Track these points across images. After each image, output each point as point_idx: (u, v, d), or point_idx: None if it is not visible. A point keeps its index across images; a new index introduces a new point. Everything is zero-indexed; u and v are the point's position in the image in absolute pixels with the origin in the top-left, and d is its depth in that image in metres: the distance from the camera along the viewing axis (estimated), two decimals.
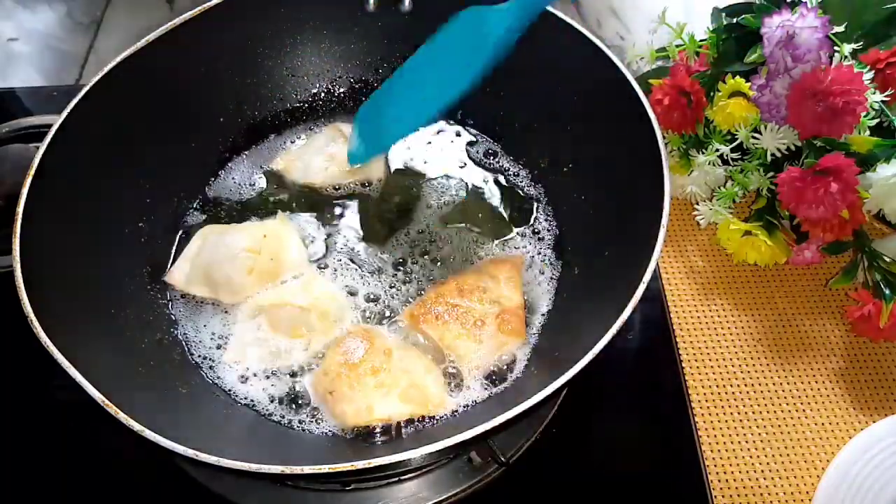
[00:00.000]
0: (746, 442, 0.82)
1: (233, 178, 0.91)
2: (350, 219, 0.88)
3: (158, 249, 0.84)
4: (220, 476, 0.74)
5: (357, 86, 0.97)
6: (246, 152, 0.93)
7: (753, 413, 0.84)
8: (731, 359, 0.88)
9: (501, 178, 0.92)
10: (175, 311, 0.80)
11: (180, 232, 0.86)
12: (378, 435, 0.72)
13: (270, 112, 0.95)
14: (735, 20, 0.92)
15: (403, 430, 0.72)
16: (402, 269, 0.84)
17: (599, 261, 0.76)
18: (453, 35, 0.75)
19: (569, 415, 0.80)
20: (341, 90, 0.98)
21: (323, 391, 0.73)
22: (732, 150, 0.88)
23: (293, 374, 0.76)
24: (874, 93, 0.80)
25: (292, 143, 0.95)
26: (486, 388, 0.75)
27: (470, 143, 0.94)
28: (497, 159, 0.93)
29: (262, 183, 0.91)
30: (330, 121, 0.97)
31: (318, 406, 0.74)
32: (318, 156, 0.90)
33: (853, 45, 0.81)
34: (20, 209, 0.67)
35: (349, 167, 0.88)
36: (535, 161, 0.90)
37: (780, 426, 0.83)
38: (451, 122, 0.96)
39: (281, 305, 0.78)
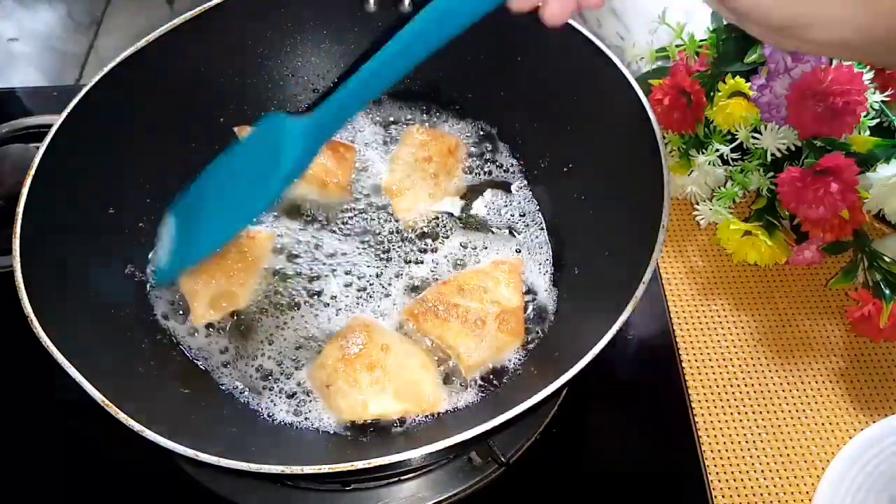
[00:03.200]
0: (747, 442, 0.82)
1: None
2: (349, 220, 0.88)
3: (158, 249, 0.84)
4: (220, 476, 0.74)
5: None
6: None
7: (754, 413, 0.84)
8: (731, 359, 0.88)
9: (501, 179, 0.92)
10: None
11: None
12: (378, 434, 0.72)
13: (271, 112, 0.95)
14: None
15: (401, 429, 0.72)
16: (402, 270, 0.84)
17: (599, 261, 0.76)
18: (259, 141, 0.69)
19: (569, 415, 0.80)
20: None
21: (320, 384, 0.73)
22: (732, 150, 0.88)
23: (293, 373, 0.76)
24: (874, 93, 0.80)
25: None
26: (484, 388, 0.75)
27: (469, 144, 0.94)
28: (497, 159, 0.93)
29: None
30: None
31: (317, 402, 0.74)
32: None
33: None
34: (20, 209, 0.67)
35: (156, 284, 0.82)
36: (535, 161, 0.90)
37: (780, 426, 0.83)
38: (450, 120, 0.96)
39: None
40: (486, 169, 0.92)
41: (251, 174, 0.67)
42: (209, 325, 0.79)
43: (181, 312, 0.80)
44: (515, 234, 0.87)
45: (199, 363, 0.77)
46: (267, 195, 0.65)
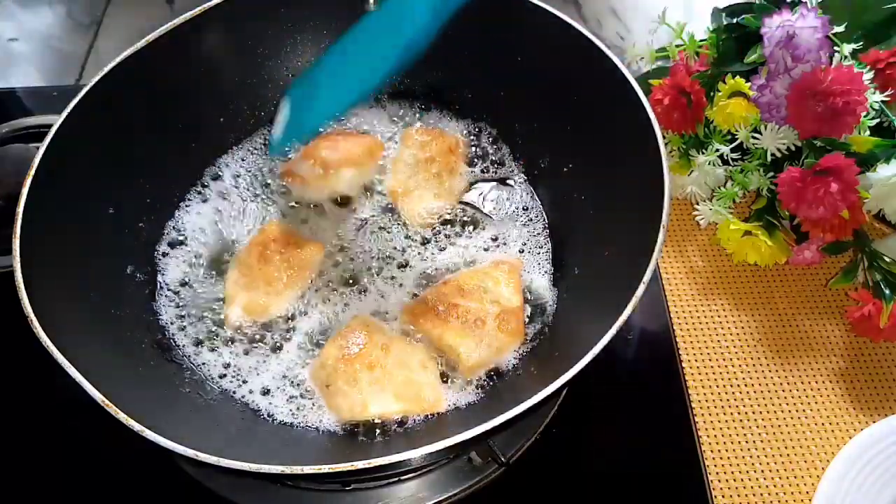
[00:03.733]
0: (747, 442, 0.82)
1: (233, 179, 0.91)
2: (350, 221, 0.88)
3: (158, 249, 0.84)
4: (219, 476, 0.74)
5: None
6: (246, 152, 0.93)
7: (754, 413, 0.84)
8: (731, 359, 0.88)
9: (501, 179, 0.91)
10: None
11: (180, 232, 0.86)
12: (378, 434, 0.72)
13: (270, 112, 0.95)
14: (735, 20, 0.92)
15: (401, 429, 0.72)
16: (402, 268, 0.84)
17: (599, 261, 0.76)
18: (382, 13, 0.68)
19: (569, 415, 0.80)
20: None
21: (320, 383, 0.74)
22: (732, 150, 0.88)
23: (295, 374, 0.76)
24: (874, 93, 0.80)
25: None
26: (484, 388, 0.75)
27: (469, 144, 0.94)
28: (497, 159, 0.93)
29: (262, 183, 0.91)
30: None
31: (318, 402, 0.74)
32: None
33: (853, 45, 0.81)
34: (20, 209, 0.67)
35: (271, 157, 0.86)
36: (535, 161, 0.90)
37: (780, 426, 0.83)
38: (450, 122, 0.96)
39: None
40: (486, 169, 0.92)
41: (370, 47, 0.67)
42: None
43: (181, 313, 0.80)
44: (516, 233, 0.87)
45: (198, 364, 0.77)
46: (385, 64, 0.65)
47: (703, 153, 0.89)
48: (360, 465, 0.55)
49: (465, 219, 0.88)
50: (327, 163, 0.87)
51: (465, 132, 0.95)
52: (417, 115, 0.96)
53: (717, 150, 0.88)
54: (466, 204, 0.89)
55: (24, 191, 0.68)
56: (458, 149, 0.91)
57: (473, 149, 0.94)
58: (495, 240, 0.86)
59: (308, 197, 0.89)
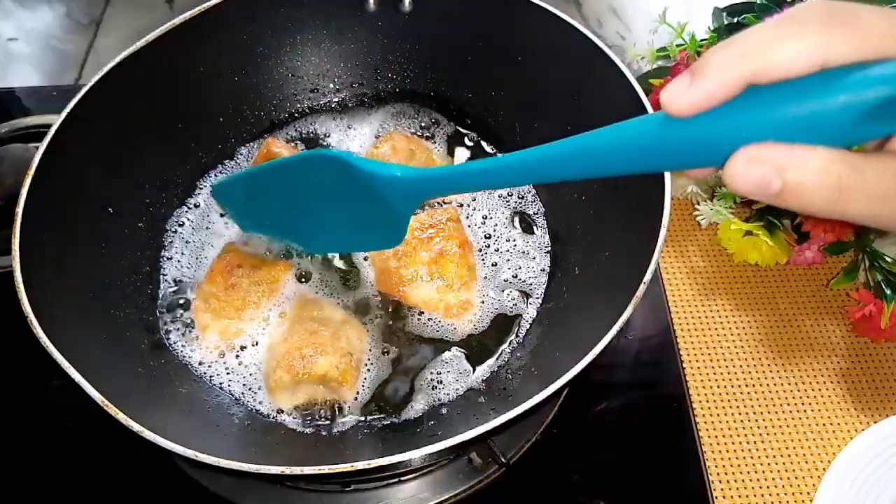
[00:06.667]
0: (747, 443, 0.82)
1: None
2: None
3: (158, 250, 0.84)
4: (219, 476, 0.74)
5: (356, 85, 0.97)
6: (246, 152, 0.93)
7: (754, 413, 0.83)
8: (731, 359, 0.88)
9: None
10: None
11: (180, 232, 0.86)
12: (377, 435, 0.72)
13: (270, 112, 0.95)
14: (736, 20, 0.92)
15: (400, 430, 0.72)
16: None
17: (599, 261, 0.76)
18: (340, 173, 0.61)
19: (569, 415, 0.80)
20: (341, 90, 0.98)
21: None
22: None
23: None
24: None
25: (292, 143, 0.95)
26: (484, 388, 0.74)
27: (468, 144, 0.94)
28: None
29: None
30: (330, 120, 0.96)
31: (317, 402, 0.74)
32: None
33: None
34: (20, 209, 0.66)
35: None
36: None
37: (781, 427, 0.83)
38: (449, 122, 0.96)
39: None
40: None
41: (342, 204, 0.63)
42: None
43: (181, 313, 0.80)
44: (515, 233, 0.87)
45: (198, 364, 0.77)
46: (372, 243, 0.68)
47: None
48: (360, 465, 0.55)
49: (463, 220, 0.88)
50: None
51: (464, 131, 0.95)
52: (417, 116, 0.96)
53: None
54: (464, 204, 0.89)
55: (24, 191, 0.67)
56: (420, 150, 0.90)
57: (474, 149, 0.94)
58: (489, 237, 0.86)
59: None
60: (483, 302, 0.81)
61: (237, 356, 0.77)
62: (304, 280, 0.82)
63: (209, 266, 0.82)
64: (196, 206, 0.88)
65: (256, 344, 0.77)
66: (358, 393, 0.75)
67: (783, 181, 0.35)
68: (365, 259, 0.84)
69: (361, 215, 0.62)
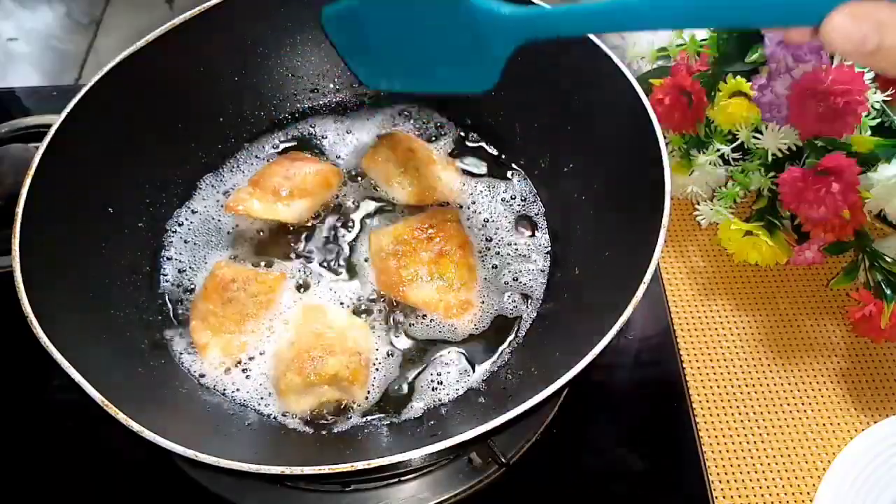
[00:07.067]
0: (747, 442, 0.82)
1: (233, 178, 0.91)
2: (349, 220, 0.88)
3: (158, 250, 0.84)
4: (219, 476, 0.74)
5: (356, 85, 0.97)
6: (245, 152, 0.93)
7: (754, 413, 0.83)
8: (731, 359, 0.88)
9: (501, 178, 0.91)
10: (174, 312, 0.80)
11: (180, 232, 0.86)
12: (377, 435, 0.72)
13: (270, 112, 0.95)
14: None
15: (401, 429, 0.72)
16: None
17: (599, 261, 0.76)
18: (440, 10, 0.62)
19: (569, 415, 0.80)
20: (341, 90, 0.98)
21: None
22: (733, 150, 0.87)
23: None
24: (875, 93, 0.80)
25: (292, 143, 0.95)
26: (484, 388, 0.75)
27: (469, 144, 0.94)
28: (497, 159, 0.93)
29: None
30: (331, 120, 0.96)
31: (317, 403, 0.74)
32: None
33: None
34: (20, 209, 0.66)
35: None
36: (536, 161, 0.90)
37: (781, 426, 0.83)
38: (450, 122, 0.96)
39: None
40: (486, 169, 0.92)
41: (436, 41, 0.63)
42: None
43: (181, 312, 0.80)
44: (516, 234, 0.87)
45: (198, 364, 0.77)
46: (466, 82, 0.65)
47: (703, 153, 0.89)
48: (360, 465, 0.55)
49: (462, 219, 0.88)
50: (279, 193, 0.84)
51: (464, 131, 0.95)
52: (418, 116, 0.96)
53: (718, 150, 0.88)
54: (463, 205, 0.89)
55: (24, 191, 0.68)
56: (415, 144, 0.90)
57: (473, 149, 0.94)
58: (490, 240, 0.86)
59: (255, 227, 0.87)
60: (483, 302, 0.81)
61: (244, 370, 0.76)
62: (301, 289, 0.82)
63: (202, 283, 0.80)
64: (194, 212, 0.88)
65: (263, 353, 0.77)
66: (368, 392, 0.75)
67: (880, 38, 0.35)
68: (366, 260, 0.84)
69: (458, 50, 0.62)
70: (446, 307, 0.79)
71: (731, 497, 0.78)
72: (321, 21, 0.76)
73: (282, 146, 0.94)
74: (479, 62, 0.62)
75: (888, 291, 0.81)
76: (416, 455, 0.55)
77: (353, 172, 0.91)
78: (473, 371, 0.76)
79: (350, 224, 0.87)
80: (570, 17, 0.55)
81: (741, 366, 0.87)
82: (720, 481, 0.79)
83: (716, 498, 0.77)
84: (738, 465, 0.80)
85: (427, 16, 0.63)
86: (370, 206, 0.89)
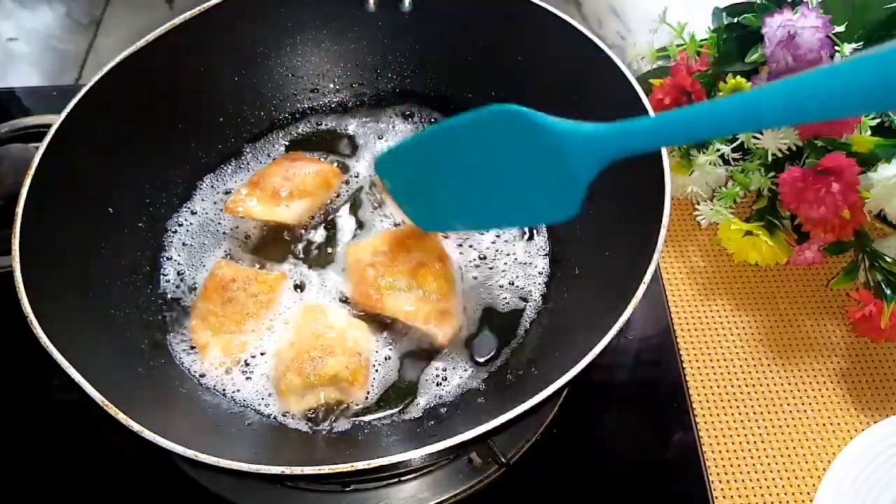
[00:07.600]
0: (747, 442, 0.82)
1: (233, 178, 0.91)
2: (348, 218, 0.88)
3: (158, 250, 0.84)
4: (219, 476, 0.74)
5: (356, 85, 0.97)
6: (245, 152, 0.93)
7: (754, 413, 0.83)
8: (731, 359, 0.88)
9: None
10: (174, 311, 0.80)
11: (180, 233, 0.86)
12: (377, 435, 0.72)
13: (270, 112, 0.95)
14: (736, 20, 0.92)
15: (400, 430, 0.72)
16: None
17: (599, 261, 0.76)
18: (509, 133, 0.58)
19: (569, 415, 0.80)
20: (341, 90, 0.98)
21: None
22: (733, 150, 0.87)
23: None
24: None
25: (292, 143, 0.95)
26: (484, 388, 0.74)
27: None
28: None
29: None
30: (331, 120, 0.96)
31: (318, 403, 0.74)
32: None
33: (854, 45, 0.81)
34: (20, 209, 0.66)
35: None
36: None
37: (781, 426, 0.83)
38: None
39: None
40: None
41: (506, 169, 0.58)
42: None
43: (181, 312, 0.80)
44: (515, 233, 0.86)
45: (198, 364, 0.77)
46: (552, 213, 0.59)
47: (703, 153, 0.89)
48: (360, 465, 0.55)
49: None
50: (278, 194, 0.84)
51: None
52: (417, 116, 0.96)
53: (718, 150, 0.88)
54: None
55: (24, 191, 0.68)
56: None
57: None
58: (494, 242, 0.86)
59: (255, 227, 0.86)
60: (483, 302, 0.81)
61: (243, 371, 0.76)
62: (300, 289, 0.81)
63: (202, 283, 0.80)
64: (194, 212, 0.88)
65: (264, 353, 0.77)
66: (368, 393, 0.75)
67: None
68: None
69: (534, 180, 0.56)
70: (425, 319, 0.77)
71: (731, 497, 0.78)
72: (375, 170, 0.72)
73: (282, 146, 0.94)
74: (558, 189, 0.56)
75: (888, 291, 0.81)
76: (416, 455, 0.55)
77: (353, 173, 0.91)
78: (473, 371, 0.76)
79: (350, 224, 0.87)
80: (665, 127, 0.50)
81: (741, 366, 0.87)
82: (720, 481, 0.79)
83: (716, 498, 0.77)
84: (738, 465, 0.80)
85: (496, 147, 0.58)
86: (369, 206, 0.89)
